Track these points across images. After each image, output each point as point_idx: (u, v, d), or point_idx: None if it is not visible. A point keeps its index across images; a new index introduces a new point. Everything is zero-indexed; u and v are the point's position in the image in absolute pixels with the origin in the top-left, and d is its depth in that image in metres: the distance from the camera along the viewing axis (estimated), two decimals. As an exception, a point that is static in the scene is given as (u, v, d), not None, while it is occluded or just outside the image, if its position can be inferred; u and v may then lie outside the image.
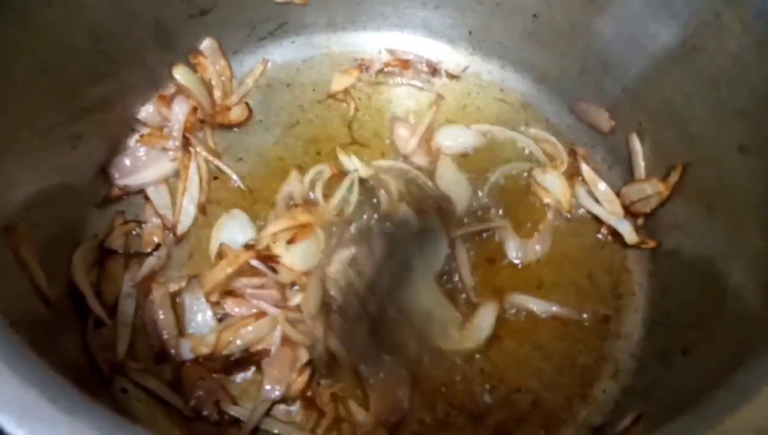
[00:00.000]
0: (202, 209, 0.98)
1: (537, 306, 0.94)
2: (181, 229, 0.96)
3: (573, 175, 1.06)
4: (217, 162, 1.01)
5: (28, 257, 0.75)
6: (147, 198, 0.98)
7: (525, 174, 1.06)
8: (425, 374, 0.89)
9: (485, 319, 0.91)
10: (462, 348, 0.90)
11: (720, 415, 0.49)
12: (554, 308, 0.94)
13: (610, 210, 1.02)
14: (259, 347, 0.88)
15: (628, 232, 0.99)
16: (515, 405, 0.88)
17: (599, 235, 1.02)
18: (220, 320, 0.89)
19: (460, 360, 0.90)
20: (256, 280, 0.90)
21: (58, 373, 0.53)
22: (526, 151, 1.09)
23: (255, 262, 0.89)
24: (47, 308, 0.78)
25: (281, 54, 1.15)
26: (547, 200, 1.04)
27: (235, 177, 1.02)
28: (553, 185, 1.04)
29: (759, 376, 0.52)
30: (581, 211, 1.04)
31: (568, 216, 1.03)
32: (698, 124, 0.89)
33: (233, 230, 0.95)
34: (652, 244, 0.98)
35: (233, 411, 0.83)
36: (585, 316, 0.94)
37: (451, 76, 1.16)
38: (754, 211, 0.78)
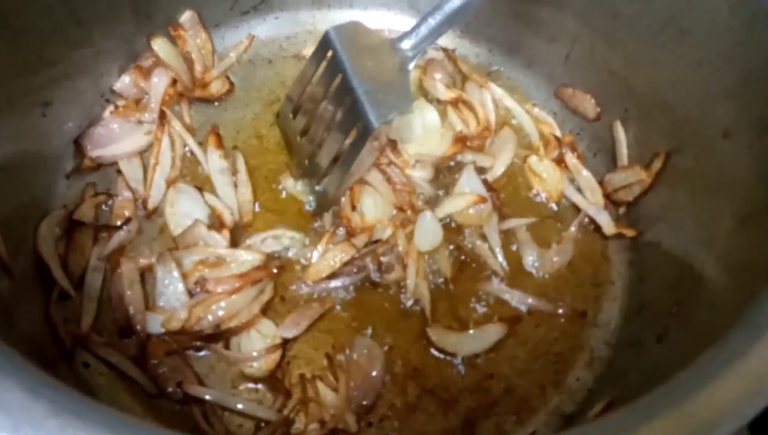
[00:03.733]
0: (170, 184, 0.95)
1: (512, 297, 0.93)
2: (152, 204, 0.94)
3: (557, 162, 1.04)
4: (188, 140, 0.99)
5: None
6: (119, 171, 0.96)
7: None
8: (399, 357, 0.87)
9: (489, 336, 0.89)
10: (455, 350, 0.88)
11: (685, 395, 0.48)
12: (530, 300, 0.92)
13: (591, 199, 1.00)
14: (231, 324, 0.86)
15: (606, 223, 0.97)
16: (487, 391, 0.86)
17: (580, 224, 0.99)
18: (191, 295, 0.87)
19: (444, 355, 0.88)
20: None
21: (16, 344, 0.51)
22: (524, 133, 1.08)
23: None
24: (9, 279, 0.76)
25: (264, 29, 1.13)
26: (538, 189, 1.02)
27: (201, 156, 0.98)
28: (547, 174, 1.02)
29: (723, 359, 0.50)
30: (565, 201, 1.02)
31: (555, 208, 1.01)
32: (684, 109, 0.87)
33: (187, 204, 0.93)
34: (631, 233, 0.96)
35: (195, 391, 0.81)
36: (561, 311, 0.92)
37: (445, 50, 1.13)
38: (732, 196, 0.77)
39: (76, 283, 0.86)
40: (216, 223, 0.93)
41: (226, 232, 0.90)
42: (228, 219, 0.92)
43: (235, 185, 0.97)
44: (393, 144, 0.99)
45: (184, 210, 0.93)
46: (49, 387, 0.42)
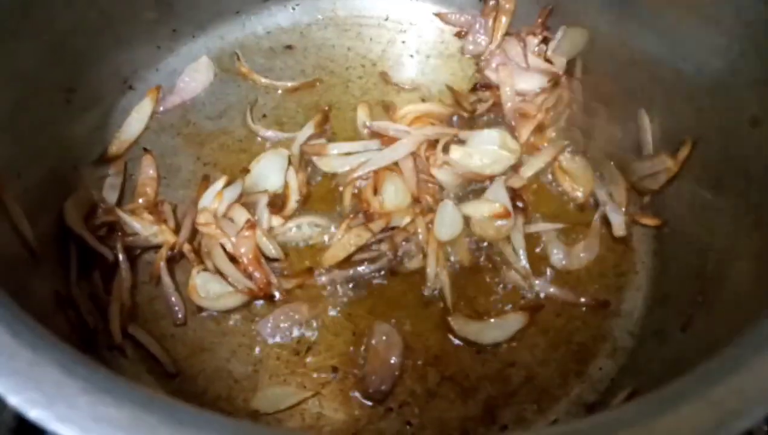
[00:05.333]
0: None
1: (533, 286, 0.92)
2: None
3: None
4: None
5: (12, 205, 0.74)
6: (146, 149, 0.98)
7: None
8: (419, 344, 0.87)
9: (510, 325, 0.89)
10: (476, 339, 0.88)
11: (712, 382, 0.48)
12: (551, 289, 0.92)
13: (615, 196, 0.97)
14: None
15: (618, 223, 0.94)
16: (507, 379, 0.86)
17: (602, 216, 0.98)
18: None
19: (464, 344, 0.88)
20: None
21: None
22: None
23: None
24: (31, 257, 0.77)
25: (285, 17, 1.13)
26: (566, 186, 1.00)
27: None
28: (578, 171, 1.00)
29: (752, 346, 0.50)
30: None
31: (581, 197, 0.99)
32: (709, 97, 0.85)
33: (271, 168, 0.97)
34: (655, 222, 0.94)
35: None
36: (583, 299, 0.91)
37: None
38: (759, 185, 0.75)
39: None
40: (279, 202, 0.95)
41: (287, 211, 0.93)
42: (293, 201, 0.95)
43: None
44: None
45: (265, 172, 0.96)
46: (82, 365, 0.42)
